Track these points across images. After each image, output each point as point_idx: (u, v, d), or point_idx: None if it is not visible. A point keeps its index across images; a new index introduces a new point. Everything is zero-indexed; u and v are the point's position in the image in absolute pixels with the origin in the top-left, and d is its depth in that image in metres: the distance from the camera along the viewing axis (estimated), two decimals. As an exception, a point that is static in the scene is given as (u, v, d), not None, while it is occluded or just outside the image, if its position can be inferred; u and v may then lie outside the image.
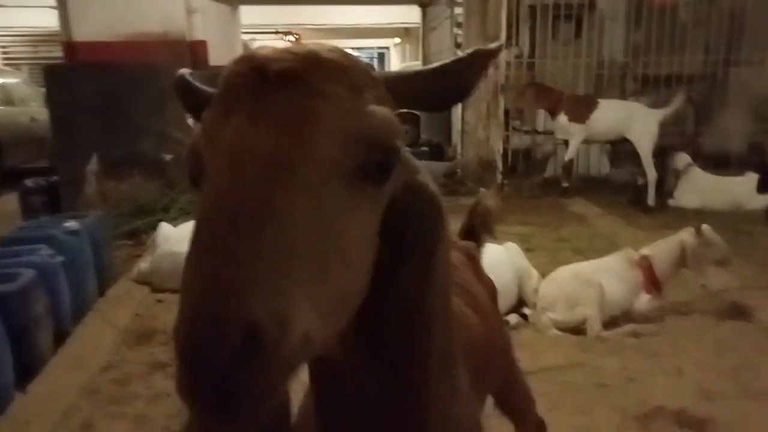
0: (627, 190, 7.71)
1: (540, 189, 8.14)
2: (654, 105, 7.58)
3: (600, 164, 8.92)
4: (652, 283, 3.92)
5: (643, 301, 3.87)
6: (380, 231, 0.71)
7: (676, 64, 8.30)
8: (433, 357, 0.82)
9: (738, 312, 3.94)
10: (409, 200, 0.76)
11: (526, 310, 3.91)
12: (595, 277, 3.80)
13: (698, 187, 7.12)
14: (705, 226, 3.93)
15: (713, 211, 6.88)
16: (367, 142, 0.66)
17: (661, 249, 3.96)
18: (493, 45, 0.81)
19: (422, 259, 0.79)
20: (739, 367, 3.28)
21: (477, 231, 1.87)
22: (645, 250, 4.02)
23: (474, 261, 1.58)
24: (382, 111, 0.68)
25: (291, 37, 17.54)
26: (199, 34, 7.77)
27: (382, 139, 0.67)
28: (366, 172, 0.66)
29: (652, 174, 7.05)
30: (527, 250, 5.61)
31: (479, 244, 1.86)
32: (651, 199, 7.07)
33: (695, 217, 6.74)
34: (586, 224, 6.42)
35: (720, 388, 3.07)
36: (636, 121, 7.01)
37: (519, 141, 9.00)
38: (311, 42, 0.75)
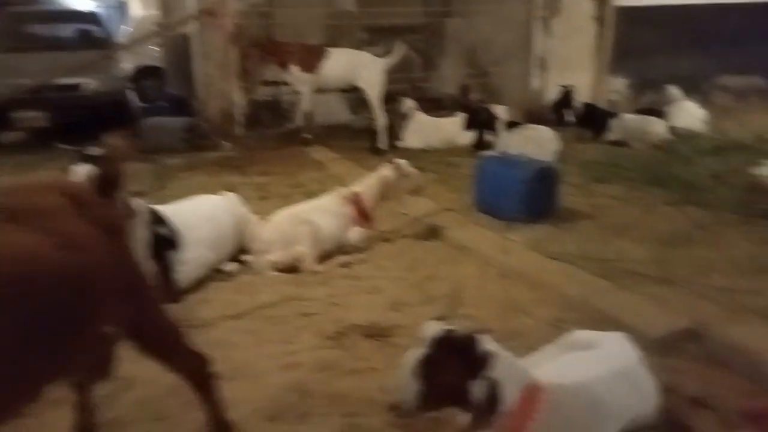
0: (365, 136, 8.25)
1: (284, 139, 8.28)
2: (381, 54, 8.13)
3: (342, 112, 9.38)
4: (362, 216, 4.30)
5: (355, 233, 4.23)
6: None
7: (401, 15, 8.97)
8: None
9: (432, 233, 4.53)
10: None
11: (247, 257, 3.98)
12: (310, 217, 4.03)
13: (420, 129, 7.93)
14: (400, 161, 4.39)
15: (433, 149, 7.78)
16: None
17: (367, 185, 4.34)
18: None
19: None
20: (426, 278, 3.80)
21: (109, 176, 1.81)
22: (355, 188, 4.36)
23: (78, 201, 1.52)
24: None
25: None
26: None
27: None
28: None
29: (381, 119, 7.63)
30: (262, 198, 5.70)
31: (113, 188, 1.80)
32: (382, 142, 7.66)
33: (419, 155, 7.54)
34: (322, 169, 6.73)
35: (408, 299, 3.53)
36: (363, 69, 7.45)
37: (263, 92, 8.99)
38: None
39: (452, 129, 7.71)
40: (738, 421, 2.31)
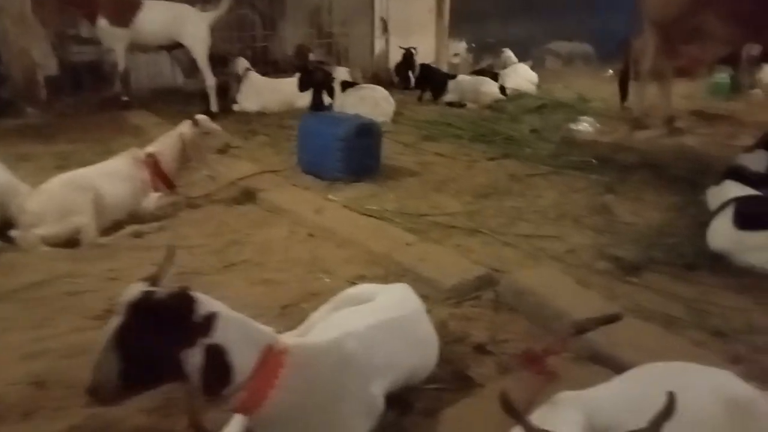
0: (197, 99, 7.62)
1: (105, 104, 7.44)
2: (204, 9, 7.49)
3: (172, 74, 8.62)
4: (161, 179, 3.85)
5: (151, 199, 3.77)
6: None
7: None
8: None
9: (247, 196, 4.20)
10: None
11: (13, 232, 3.38)
12: (91, 183, 3.50)
13: (256, 91, 7.48)
14: (201, 116, 3.98)
15: (271, 112, 7.38)
16: None
17: (164, 144, 3.89)
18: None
19: None
20: (229, 244, 3.48)
21: None
22: (150, 148, 3.89)
23: None
24: None
25: None
26: None
27: None
28: None
29: (210, 79, 7.06)
30: (60, 167, 4.98)
31: None
32: (213, 104, 7.12)
33: (254, 118, 7.12)
34: (141, 135, 6.06)
35: (203, 266, 3.19)
36: (186, 24, 6.81)
37: (82, 52, 8.01)
38: None
39: (289, 90, 7.34)
40: (514, 365, 2.28)
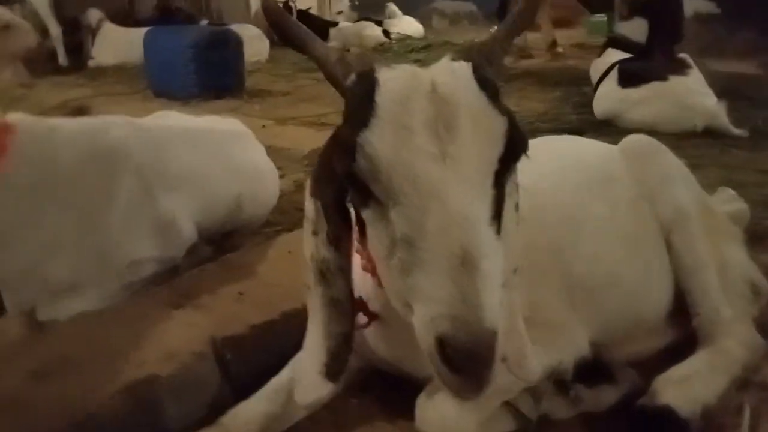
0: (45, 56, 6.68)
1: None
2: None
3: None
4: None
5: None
6: None
7: None
8: None
9: (81, 113, 3.53)
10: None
11: None
12: None
13: (113, 42, 6.64)
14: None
15: (134, 65, 6.59)
16: None
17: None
18: None
19: None
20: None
21: None
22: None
23: None
24: None
25: None
26: None
27: None
28: None
29: (55, 29, 6.20)
30: None
31: None
32: (62, 58, 6.26)
33: (110, 72, 6.31)
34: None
35: None
36: (18, -37, 5.90)
37: None
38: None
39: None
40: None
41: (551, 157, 1.32)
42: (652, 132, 2.82)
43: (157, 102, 4.00)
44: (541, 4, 6.21)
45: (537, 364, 0.90)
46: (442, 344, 0.64)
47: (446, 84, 0.71)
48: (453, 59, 0.77)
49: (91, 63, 6.58)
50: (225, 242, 1.61)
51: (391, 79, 0.72)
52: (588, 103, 3.31)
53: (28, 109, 3.49)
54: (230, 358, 1.11)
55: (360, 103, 0.72)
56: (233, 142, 1.62)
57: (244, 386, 1.08)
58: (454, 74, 0.73)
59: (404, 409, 1.04)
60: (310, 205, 0.83)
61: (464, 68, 0.74)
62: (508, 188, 0.77)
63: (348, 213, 0.81)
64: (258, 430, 1.00)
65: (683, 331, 1.24)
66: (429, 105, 0.69)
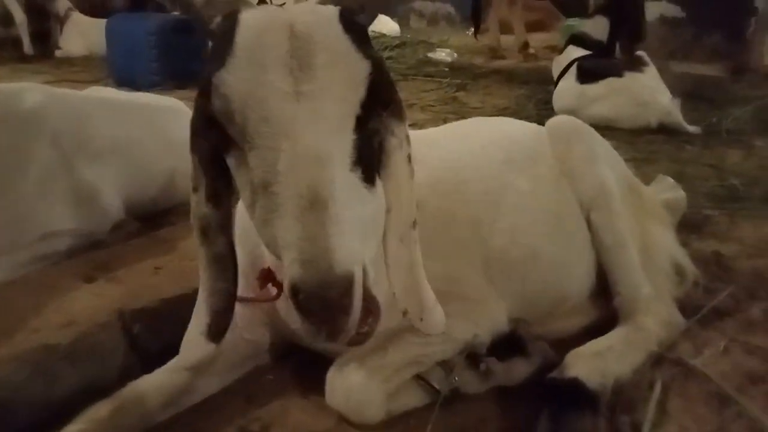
0: (9, 45, 6.54)
1: None
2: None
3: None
4: None
5: None
6: None
7: None
8: None
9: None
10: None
11: None
12: None
13: (82, 32, 6.54)
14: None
15: (102, 56, 6.48)
16: None
17: None
18: None
19: None
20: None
21: None
22: None
23: None
24: None
25: None
26: None
27: None
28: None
29: (20, 17, 6.07)
30: None
31: None
32: (27, 46, 6.12)
33: (79, 63, 6.19)
34: None
35: None
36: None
37: None
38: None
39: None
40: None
41: (480, 135, 1.32)
42: (609, 127, 2.90)
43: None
44: (513, 5, 6.31)
45: (441, 318, 0.87)
46: (295, 290, 0.62)
47: (306, 23, 0.69)
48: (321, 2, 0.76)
49: (58, 53, 6.45)
50: (159, 220, 1.58)
51: (251, 17, 0.70)
52: (551, 100, 3.34)
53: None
54: (139, 330, 1.08)
55: (220, 43, 0.70)
56: (169, 117, 1.59)
57: (155, 360, 1.05)
58: (315, 14, 0.71)
59: (318, 385, 1.02)
60: (190, 161, 0.81)
61: (329, 10, 0.72)
62: (395, 139, 0.75)
63: (227, 167, 0.78)
64: (159, 402, 0.97)
65: (607, 310, 1.24)
66: (285, 42, 0.67)
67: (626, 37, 3.33)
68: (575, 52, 3.33)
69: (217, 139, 0.72)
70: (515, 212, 1.17)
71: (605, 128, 2.91)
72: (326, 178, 0.63)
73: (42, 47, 6.38)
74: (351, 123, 0.69)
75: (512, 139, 1.30)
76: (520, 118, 3.09)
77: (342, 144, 0.67)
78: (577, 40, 3.46)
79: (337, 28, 0.70)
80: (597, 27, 3.41)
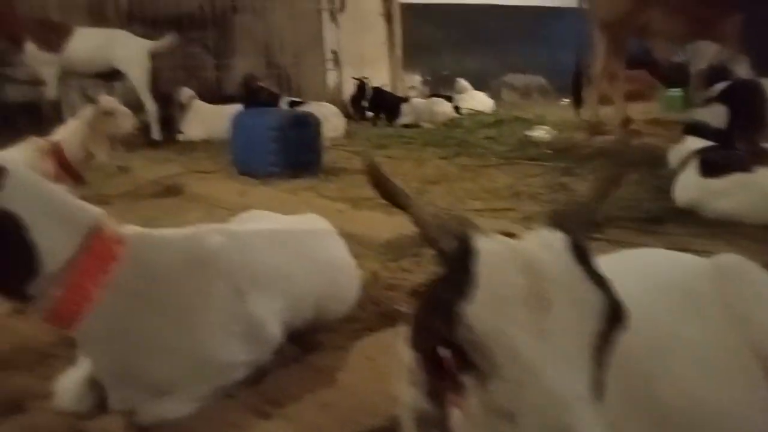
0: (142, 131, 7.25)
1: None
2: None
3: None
4: (66, 171, 3.40)
5: (53, 191, 3.31)
6: None
7: (173, 4, 8.23)
8: None
9: (171, 191, 3.80)
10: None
11: None
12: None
13: (201, 118, 7.17)
14: (106, 97, 3.59)
15: (219, 140, 7.03)
16: None
17: (70, 131, 3.46)
18: None
19: None
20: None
21: None
22: (55, 136, 3.47)
23: None
24: None
25: None
26: None
27: None
28: None
29: (151, 106, 6.72)
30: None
31: None
32: (156, 132, 6.76)
33: (199, 146, 6.76)
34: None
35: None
36: (121, 48, 6.52)
37: (16, 92, 7.65)
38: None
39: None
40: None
41: (637, 273, 1.30)
42: (736, 223, 2.77)
43: (239, 180, 4.23)
44: (614, 79, 6.25)
45: None
46: None
47: (543, 261, 0.74)
48: (548, 230, 0.80)
49: (180, 137, 7.10)
50: (306, 339, 1.66)
51: (488, 249, 0.75)
52: (666, 188, 3.25)
53: (124, 184, 3.80)
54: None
55: (456, 270, 0.75)
56: (321, 243, 1.70)
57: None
58: (550, 249, 0.76)
59: None
60: (409, 355, 0.85)
61: (560, 241, 0.77)
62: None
63: (445, 365, 0.82)
64: None
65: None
66: (527, 280, 0.72)
67: (747, 126, 3.23)
68: (694, 142, 3.25)
69: (454, 357, 0.76)
70: (686, 366, 1.13)
71: (732, 224, 2.80)
72: (573, 419, 0.66)
73: (166, 132, 7.00)
74: (590, 354, 0.72)
75: (674, 280, 1.28)
76: (638, 212, 3.07)
77: (583, 378, 0.70)
78: (695, 129, 3.38)
79: (571, 261, 0.74)
80: (714, 115, 3.33)
